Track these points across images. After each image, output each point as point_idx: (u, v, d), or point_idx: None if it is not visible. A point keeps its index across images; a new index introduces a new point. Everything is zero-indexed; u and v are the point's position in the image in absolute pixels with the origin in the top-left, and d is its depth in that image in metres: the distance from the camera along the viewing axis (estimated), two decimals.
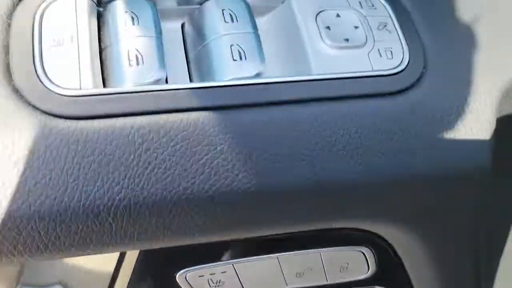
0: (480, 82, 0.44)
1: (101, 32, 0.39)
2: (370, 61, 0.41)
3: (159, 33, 0.38)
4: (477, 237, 0.47)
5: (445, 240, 0.46)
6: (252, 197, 0.37)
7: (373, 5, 0.44)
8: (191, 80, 0.41)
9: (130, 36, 0.37)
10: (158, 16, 0.39)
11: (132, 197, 0.35)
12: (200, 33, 0.41)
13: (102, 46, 0.38)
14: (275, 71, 0.41)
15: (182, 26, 0.43)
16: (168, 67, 0.38)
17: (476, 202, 0.45)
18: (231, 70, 0.38)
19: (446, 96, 0.42)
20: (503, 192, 0.48)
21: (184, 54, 0.42)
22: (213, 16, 0.40)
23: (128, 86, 0.36)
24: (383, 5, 0.44)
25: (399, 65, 0.41)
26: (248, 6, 0.41)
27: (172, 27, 0.43)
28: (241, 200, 0.37)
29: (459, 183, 0.44)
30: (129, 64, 0.36)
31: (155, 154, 0.35)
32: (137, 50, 0.37)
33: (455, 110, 0.43)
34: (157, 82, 0.37)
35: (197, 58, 0.40)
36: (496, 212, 0.47)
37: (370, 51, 0.41)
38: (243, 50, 0.39)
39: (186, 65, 0.41)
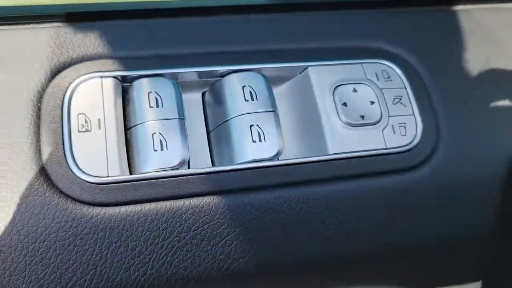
0: (490, 152, 0.45)
1: (127, 110, 0.40)
2: (384, 138, 0.42)
3: (182, 114, 0.40)
4: None
5: None
6: (267, 273, 0.40)
7: (389, 77, 0.45)
8: (212, 158, 0.42)
9: (154, 118, 0.39)
10: (181, 94, 0.41)
11: (156, 277, 0.37)
12: (220, 107, 0.42)
13: (128, 125, 0.40)
14: (292, 147, 0.43)
15: (203, 94, 0.45)
16: (190, 141, 0.40)
17: (481, 263, 0.47)
18: (251, 152, 0.40)
19: (456, 168, 0.44)
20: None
21: (204, 128, 0.43)
22: (233, 93, 0.41)
23: (152, 172, 0.38)
24: (399, 76, 0.45)
25: (411, 142, 0.43)
26: (267, 81, 0.42)
27: (193, 96, 0.44)
28: (257, 275, 0.40)
29: (467, 247, 0.46)
30: (154, 149, 0.38)
31: (177, 237, 0.38)
32: (161, 135, 0.38)
33: (464, 181, 0.44)
34: (180, 164, 0.38)
35: (218, 135, 0.42)
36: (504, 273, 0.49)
37: (385, 127, 0.43)
38: (262, 131, 0.40)
39: (207, 139, 0.43)
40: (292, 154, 0.43)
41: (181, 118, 0.39)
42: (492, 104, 0.47)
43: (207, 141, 0.43)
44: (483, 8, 0.52)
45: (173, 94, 0.40)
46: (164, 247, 0.37)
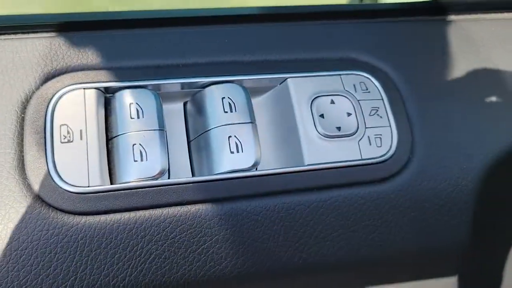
0: (465, 163, 0.46)
1: (109, 120, 0.41)
2: (359, 149, 0.44)
3: (162, 125, 0.41)
4: None
5: None
6: (243, 280, 0.41)
7: (367, 88, 0.46)
8: (192, 166, 0.44)
9: (135, 129, 0.40)
10: (161, 105, 0.42)
11: (135, 283, 0.39)
12: (201, 117, 0.43)
13: (109, 135, 0.41)
14: (270, 157, 0.44)
15: (185, 104, 0.46)
16: (171, 149, 0.41)
17: (458, 271, 0.49)
18: (228, 163, 0.41)
19: (430, 179, 0.45)
20: (487, 261, 0.52)
21: (185, 137, 0.45)
22: (213, 104, 0.43)
23: (132, 182, 0.39)
24: (377, 87, 0.46)
25: (386, 153, 0.44)
26: (247, 93, 0.43)
27: (175, 106, 0.45)
28: (234, 283, 0.41)
29: (441, 257, 0.47)
30: (134, 159, 0.39)
31: (156, 245, 0.39)
32: (142, 146, 0.40)
33: (439, 192, 0.45)
34: (159, 174, 0.40)
35: (198, 144, 0.43)
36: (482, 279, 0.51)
37: (361, 139, 0.44)
38: (240, 142, 0.41)
39: (188, 149, 0.44)
40: (270, 164, 0.44)
41: (161, 129, 0.41)
42: (468, 115, 0.48)
43: (188, 154, 0.44)
44: (465, 19, 0.53)
45: (154, 105, 0.41)
46: (142, 255, 0.39)
